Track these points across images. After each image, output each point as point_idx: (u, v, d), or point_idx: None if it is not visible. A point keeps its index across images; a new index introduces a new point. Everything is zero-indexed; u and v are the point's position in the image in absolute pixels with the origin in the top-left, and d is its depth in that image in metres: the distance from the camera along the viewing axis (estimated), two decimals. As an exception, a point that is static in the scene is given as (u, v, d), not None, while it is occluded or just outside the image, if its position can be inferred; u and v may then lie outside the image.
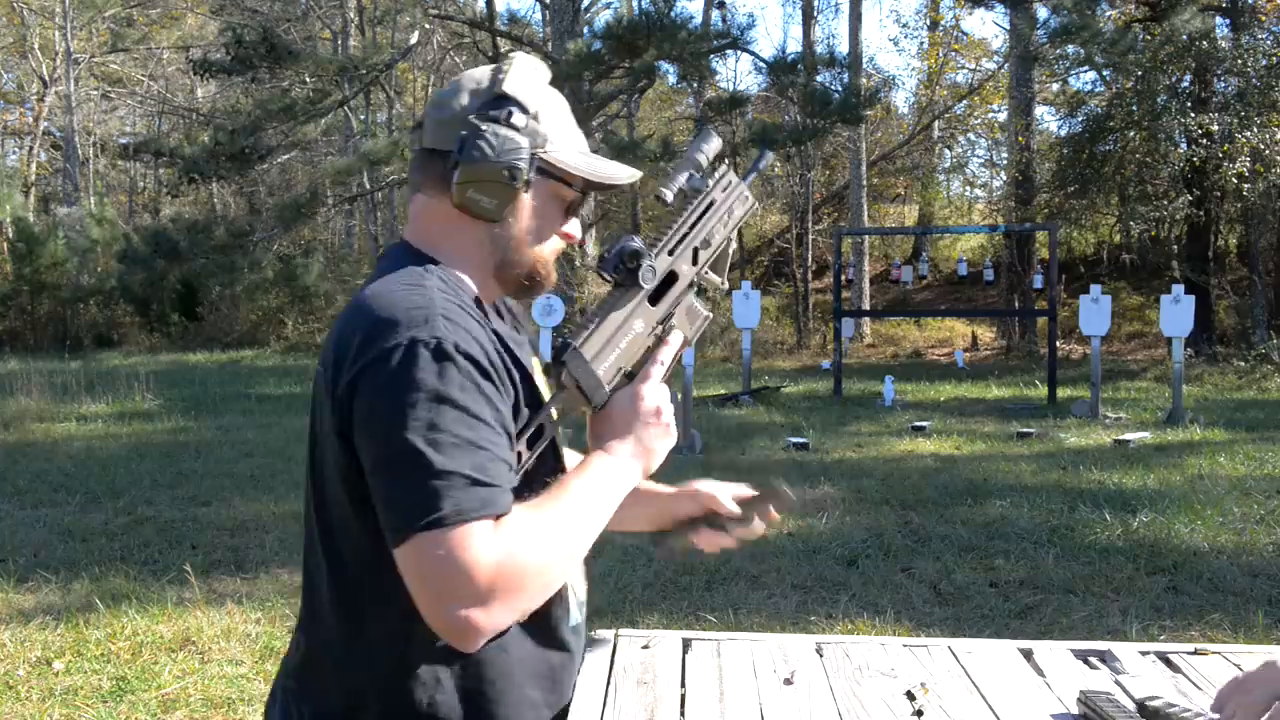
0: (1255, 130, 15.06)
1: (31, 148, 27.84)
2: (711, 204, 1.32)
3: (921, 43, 27.88)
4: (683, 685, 1.47)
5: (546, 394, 1.32)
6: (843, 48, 21.33)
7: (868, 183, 22.14)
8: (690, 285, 1.31)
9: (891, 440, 9.22)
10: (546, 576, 1.15)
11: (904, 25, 37.55)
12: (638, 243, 1.26)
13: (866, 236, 20.42)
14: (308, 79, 16.23)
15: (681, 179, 1.31)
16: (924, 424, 9.83)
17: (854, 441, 9.23)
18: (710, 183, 1.31)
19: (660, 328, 1.29)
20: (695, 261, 1.31)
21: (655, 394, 1.27)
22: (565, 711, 1.34)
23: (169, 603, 4.72)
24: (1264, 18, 16.94)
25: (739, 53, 18.16)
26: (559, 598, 1.28)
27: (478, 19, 21.04)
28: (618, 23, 14.16)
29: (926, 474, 7.63)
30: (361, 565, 1.22)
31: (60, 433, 9.72)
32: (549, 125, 1.27)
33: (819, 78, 14.96)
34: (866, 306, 20.11)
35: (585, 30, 16.67)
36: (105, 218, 22.24)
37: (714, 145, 1.31)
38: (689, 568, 5.25)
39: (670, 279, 1.29)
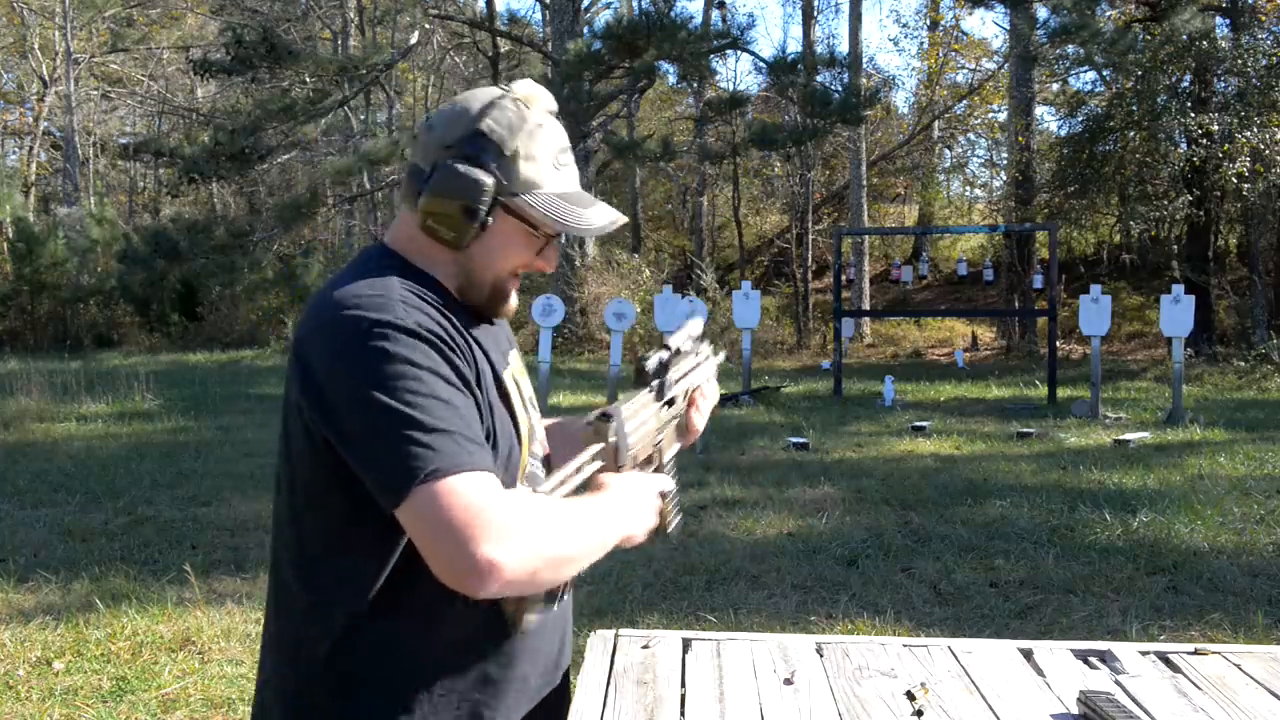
0: (1255, 130, 15.05)
1: (31, 148, 27.83)
2: (702, 364, 1.56)
3: (921, 43, 27.88)
4: (683, 685, 1.47)
5: (517, 399, 1.38)
6: (843, 48, 21.37)
7: (868, 183, 22.13)
8: (678, 415, 1.50)
9: (891, 440, 9.22)
10: (556, 548, 1.18)
11: (904, 25, 37.44)
12: (668, 357, 1.44)
13: (866, 236, 20.41)
14: (308, 79, 16.24)
15: (682, 340, 1.51)
16: (924, 424, 9.83)
17: (854, 441, 9.23)
18: (703, 348, 1.58)
19: (659, 437, 1.46)
20: (683, 398, 1.52)
21: (666, 485, 1.38)
22: (527, 685, 1.37)
23: (169, 603, 4.72)
24: (1264, 18, 16.92)
25: (739, 53, 18.18)
26: None
27: (478, 19, 21.05)
28: (618, 23, 14.16)
29: (926, 474, 7.63)
30: (326, 545, 1.27)
31: (60, 433, 9.72)
32: (527, 168, 1.30)
33: (819, 78, 14.95)
34: (866, 306, 20.11)
35: (585, 30, 16.67)
36: (105, 218, 22.22)
37: (699, 325, 1.56)
38: (689, 568, 5.25)
39: (672, 402, 1.48)
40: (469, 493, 1.13)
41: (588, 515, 1.24)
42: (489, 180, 1.28)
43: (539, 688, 1.39)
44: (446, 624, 1.27)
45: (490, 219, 1.30)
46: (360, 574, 1.23)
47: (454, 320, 1.28)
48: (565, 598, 1.43)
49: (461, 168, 1.28)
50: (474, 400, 1.24)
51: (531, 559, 1.15)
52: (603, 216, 1.34)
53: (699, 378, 1.55)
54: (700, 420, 1.54)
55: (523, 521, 1.15)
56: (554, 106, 1.36)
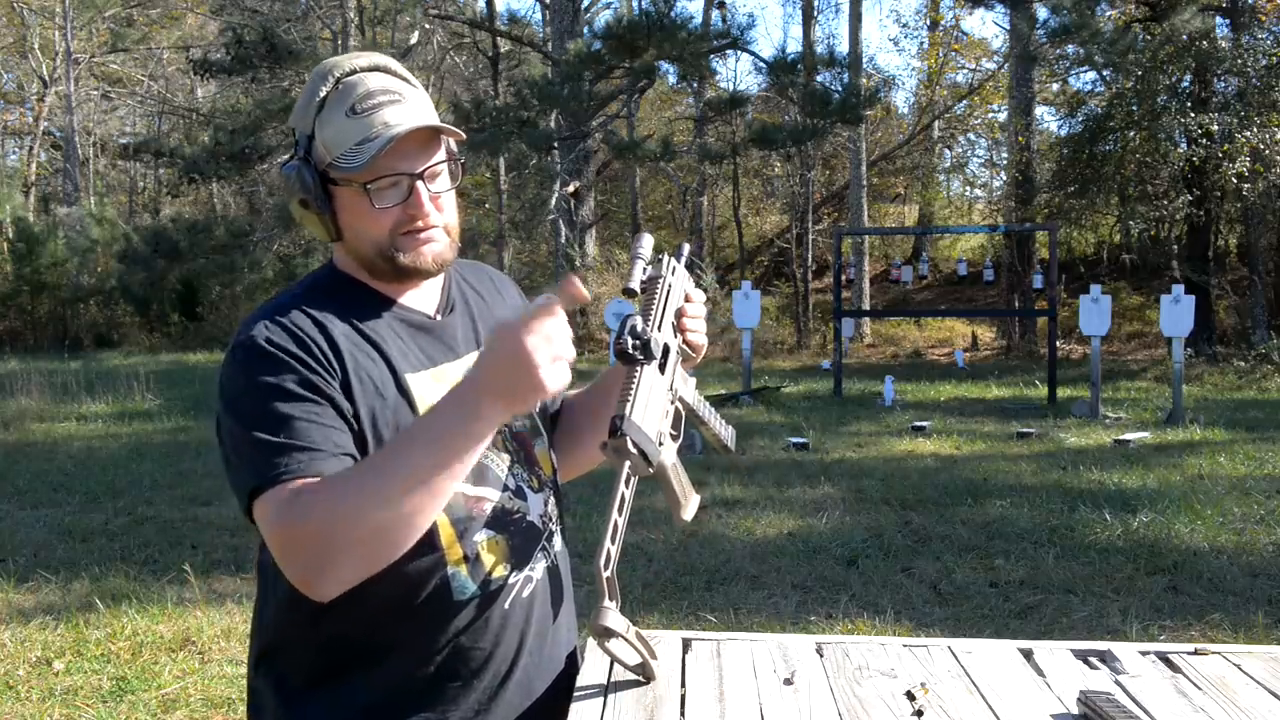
0: (1255, 130, 15.04)
1: (31, 148, 27.84)
2: (670, 286, 1.46)
3: (921, 43, 27.91)
4: (683, 685, 1.47)
5: (415, 389, 1.36)
6: (843, 48, 21.35)
7: (868, 183, 22.13)
8: (678, 353, 1.44)
9: (891, 440, 9.22)
10: (336, 535, 1.17)
11: (904, 25, 37.52)
12: (640, 322, 1.36)
13: (866, 236, 20.41)
14: (308, 79, 16.22)
15: (640, 273, 1.43)
16: (924, 424, 9.83)
17: (854, 441, 9.23)
18: (664, 270, 1.46)
19: (673, 393, 1.41)
20: (672, 332, 1.45)
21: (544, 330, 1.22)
22: (485, 683, 1.39)
23: (169, 603, 4.72)
24: (1264, 18, 16.92)
25: (739, 53, 18.15)
26: (429, 572, 1.33)
27: (478, 19, 21.06)
28: (618, 23, 14.16)
29: (926, 474, 7.62)
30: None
31: (60, 433, 9.72)
32: (323, 136, 1.32)
33: (819, 78, 14.95)
34: (866, 306, 20.10)
35: (585, 30, 16.68)
36: (105, 218, 22.23)
37: (649, 241, 1.47)
38: (689, 568, 5.25)
39: (665, 350, 1.40)
40: (278, 510, 1.19)
41: (392, 464, 1.19)
42: (304, 168, 1.32)
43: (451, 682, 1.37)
44: (353, 615, 1.31)
45: (328, 199, 1.33)
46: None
47: (328, 326, 1.31)
48: (508, 606, 1.40)
49: (286, 170, 1.35)
50: (328, 404, 1.26)
51: (303, 565, 1.19)
52: (391, 131, 1.29)
53: (676, 299, 1.46)
54: (699, 337, 1.48)
55: (287, 536, 1.19)
56: (356, 65, 1.34)
